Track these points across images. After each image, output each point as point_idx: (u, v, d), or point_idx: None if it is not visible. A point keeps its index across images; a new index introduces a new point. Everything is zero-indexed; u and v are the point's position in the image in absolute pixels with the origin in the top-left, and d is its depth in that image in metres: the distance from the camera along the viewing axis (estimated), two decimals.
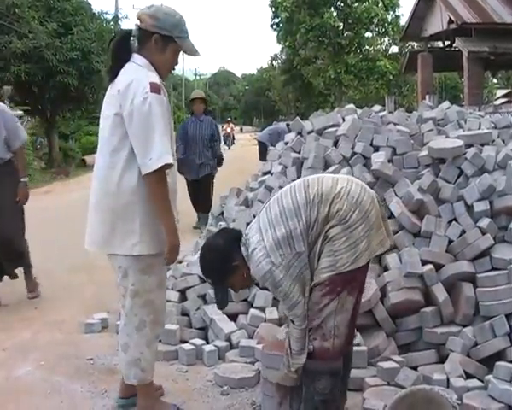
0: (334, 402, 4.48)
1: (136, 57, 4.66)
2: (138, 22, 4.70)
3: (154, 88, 4.48)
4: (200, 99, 13.84)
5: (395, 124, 7.51)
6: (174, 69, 4.96)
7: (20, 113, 34.78)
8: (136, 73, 4.55)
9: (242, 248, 4.47)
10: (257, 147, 18.01)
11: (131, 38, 4.73)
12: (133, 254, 4.62)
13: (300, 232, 4.24)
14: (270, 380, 4.70)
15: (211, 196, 13.51)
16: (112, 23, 34.38)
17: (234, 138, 55.51)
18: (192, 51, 4.78)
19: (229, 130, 52.78)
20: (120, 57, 4.70)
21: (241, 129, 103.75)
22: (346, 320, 4.36)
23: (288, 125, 16.85)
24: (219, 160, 13.95)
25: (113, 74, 4.70)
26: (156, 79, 4.56)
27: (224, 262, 4.50)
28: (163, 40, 4.65)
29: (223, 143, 43.78)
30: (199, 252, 4.88)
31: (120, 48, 4.73)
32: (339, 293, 4.30)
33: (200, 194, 13.46)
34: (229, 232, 4.85)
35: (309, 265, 4.30)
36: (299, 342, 4.32)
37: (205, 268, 4.66)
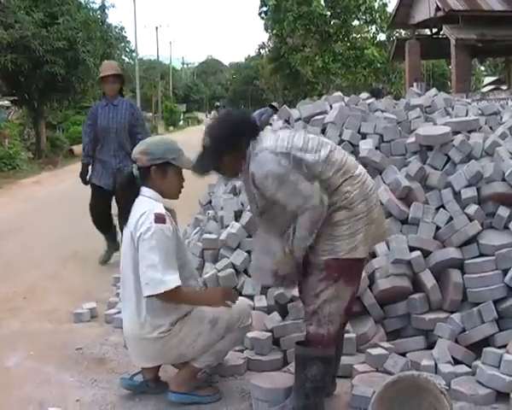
0: (325, 389, 4.54)
1: (144, 190, 4.94)
2: (136, 163, 4.96)
3: (159, 219, 4.72)
4: (113, 76, 9.60)
5: (382, 111, 7.51)
6: (183, 186, 5.12)
7: (7, 103, 34.65)
8: (144, 206, 4.81)
9: (251, 145, 4.44)
10: None
11: (135, 177, 4.96)
12: None
13: (311, 167, 4.26)
14: (265, 265, 4.63)
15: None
16: (98, 12, 34.28)
17: None
18: (190, 164, 4.87)
19: None
20: (130, 196, 4.97)
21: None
22: (341, 309, 4.41)
23: (270, 106, 16.58)
24: None
25: (126, 212, 4.97)
26: (161, 209, 4.82)
27: (232, 137, 4.47)
28: (161, 168, 4.92)
29: None
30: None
31: (127, 188, 5.01)
32: (336, 280, 4.34)
33: (112, 210, 9.27)
34: (252, 126, 4.64)
35: None
36: (306, 229, 4.25)
37: (213, 129, 4.61)
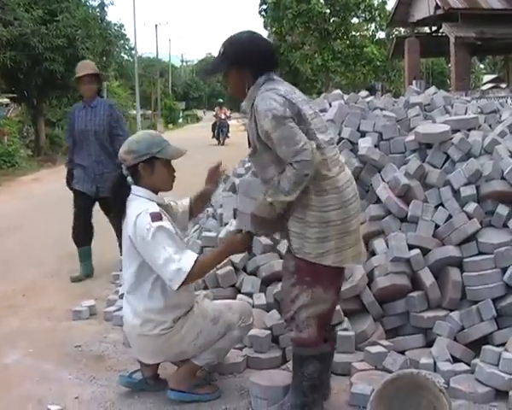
0: (322, 386, 4.55)
1: (135, 189, 4.94)
2: (124, 164, 4.96)
3: (155, 217, 4.71)
4: (89, 76, 8.92)
5: (382, 109, 7.51)
6: (174, 177, 5.10)
7: (7, 100, 34.64)
8: (138, 207, 4.81)
9: (264, 78, 4.38)
10: (244, 133, 17.59)
11: (126, 177, 4.99)
12: None
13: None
14: (245, 211, 4.63)
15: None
16: (98, 10, 34.25)
17: (229, 129, 39.32)
18: (177, 154, 4.98)
19: (223, 116, 39.16)
20: (122, 197, 4.96)
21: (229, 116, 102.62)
22: (321, 312, 4.42)
23: None
24: None
25: (119, 212, 4.98)
26: (155, 208, 4.80)
27: (247, 53, 4.38)
28: (148, 164, 4.90)
29: (215, 134, 37.85)
30: None
31: (118, 190, 5.00)
32: (309, 285, 4.34)
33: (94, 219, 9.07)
34: (270, 57, 4.54)
35: None
36: (289, 183, 4.15)
37: (234, 38, 4.51)
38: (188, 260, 4.60)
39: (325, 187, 4.24)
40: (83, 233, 8.85)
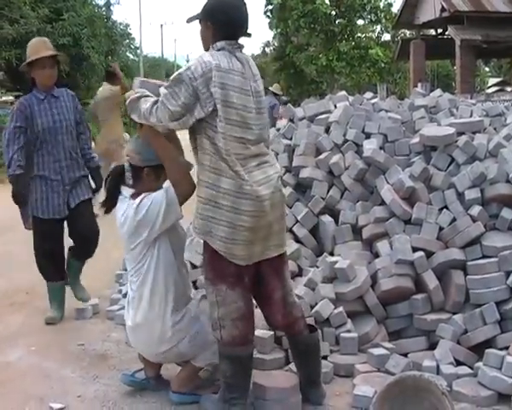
0: (239, 389, 4.56)
1: (125, 190, 4.98)
2: (129, 160, 4.96)
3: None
4: (49, 58, 6.90)
5: (387, 111, 7.50)
6: None
7: (12, 98, 34.63)
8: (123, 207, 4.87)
9: (221, 43, 4.44)
10: None
11: (126, 174, 4.96)
12: None
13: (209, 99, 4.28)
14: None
15: (97, 237, 7.24)
16: (103, 9, 34.28)
17: None
18: (189, 166, 4.92)
19: None
20: (116, 193, 4.99)
21: None
22: (233, 314, 4.44)
23: (274, 93, 16.47)
24: (95, 177, 7.28)
25: (110, 209, 5.05)
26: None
27: (214, 9, 4.50)
28: (155, 171, 4.87)
29: None
30: None
31: (116, 184, 5.02)
32: (213, 282, 4.45)
33: (82, 232, 7.05)
34: (236, 22, 4.60)
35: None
36: (145, 109, 4.45)
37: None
38: None
39: (222, 173, 4.31)
40: (52, 269, 7.07)
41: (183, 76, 4.28)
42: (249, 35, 4.70)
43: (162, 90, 4.39)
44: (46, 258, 6.99)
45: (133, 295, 4.92)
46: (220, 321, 4.46)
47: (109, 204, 5.02)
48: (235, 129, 4.30)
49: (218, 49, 4.42)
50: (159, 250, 4.78)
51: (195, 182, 4.53)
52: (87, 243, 7.14)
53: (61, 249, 7.12)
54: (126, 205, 4.81)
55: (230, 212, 4.28)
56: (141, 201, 4.71)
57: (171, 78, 4.37)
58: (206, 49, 4.54)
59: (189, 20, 4.77)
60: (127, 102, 4.65)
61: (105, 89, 13.12)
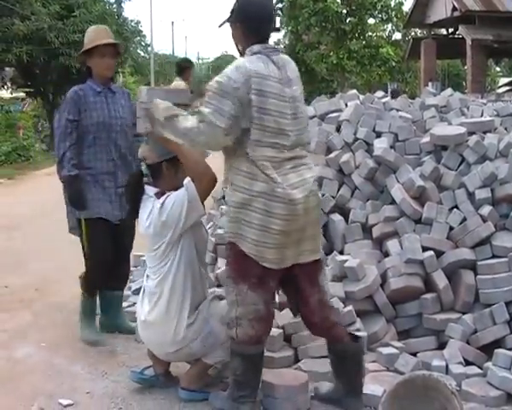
0: (249, 386, 4.55)
1: (148, 189, 5.00)
2: (144, 160, 5.02)
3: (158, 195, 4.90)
4: (109, 47, 6.42)
5: (398, 110, 7.49)
6: None
7: (22, 95, 34.77)
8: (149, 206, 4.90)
9: (255, 46, 4.44)
10: None
11: (143, 176, 5.05)
12: None
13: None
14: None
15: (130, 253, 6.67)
16: (114, 6, 34.32)
17: None
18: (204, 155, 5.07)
19: None
20: (137, 195, 5.03)
21: None
22: (251, 315, 4.40)
23: None
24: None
25: (133, 212, 5.10)
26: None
27: (244, 18, 4.51)
28: (172, 163, 4.90)
29: None
30: None
31: (137, 188, 5.05)
32: (235, 281, 4.41)
33: (121, 251, 6.35)
34: (265, 26, 4.63)
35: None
36: (185, 128, 4.36)
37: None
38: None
39: (255, 177, 4.30)
40: (100, 281, 6.39)
41: (225, 87, 4.23)
42: (278, 29, 4.74)
43: (204, 109, 4.27)
44: (102, 267, 6.24)
45: (152, 291, 4.94)
46: (237, 320, 4.43)
47: (133, 210, 5.05)
48: (269, 135, 4.28)
49: (254, 53, 4.41)
50: (182, 250, 4.81)
51: (228, 186, 4.55)
52: (125, 265, 6.63)
53: (114, 262, 6.27)
54: (152, 205, 4.84)
55: (263, 215, 4.26)
56: (164, 201, 4.75)
57: (210, 91, 4.29)
58: (240, 52, 4.57)
59: (221, 25, 4.78)
60: (152, 116, 4.55)
61: (180, 84, 12.71)
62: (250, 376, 4.54)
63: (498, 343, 5.29)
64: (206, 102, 4.30)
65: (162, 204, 4.73)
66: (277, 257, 4.34)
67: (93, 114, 6.12)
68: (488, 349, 5.25)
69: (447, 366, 5.12)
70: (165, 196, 4.76)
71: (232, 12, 4.57)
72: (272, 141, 4.28)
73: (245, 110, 4.23)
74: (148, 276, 5.03)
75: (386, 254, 6.00)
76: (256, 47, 4.41)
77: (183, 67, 12.89)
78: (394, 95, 11.92)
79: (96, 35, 6.41)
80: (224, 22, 4.70)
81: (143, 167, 4.98)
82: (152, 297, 4.92)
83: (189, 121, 4.33)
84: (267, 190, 4.24)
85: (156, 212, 4.75)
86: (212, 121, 4.21)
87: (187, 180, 4.72)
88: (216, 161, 5.29)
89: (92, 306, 6.36)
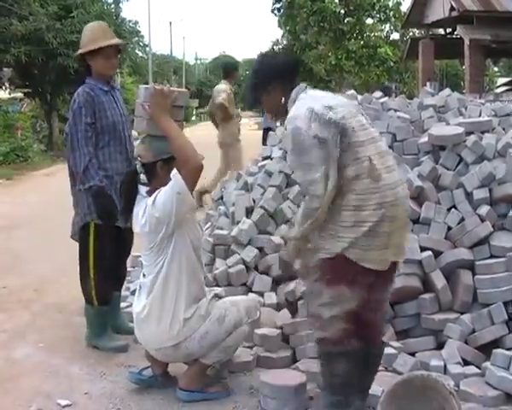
0: (352, 385, 4.34)
1: (142, 189, 5.02)
2: (139, 159, 5.03)
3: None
4: (114, 47, 6.23)
5: (396, 110, 7.50)
6: None
7: (20, 95, 34.73)
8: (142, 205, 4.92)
9: (294, 92, 4.42)
10: (257, 131, 17.06)
11: (138, 175, 5.04)
12: None
13: (345, 134, 4.16)
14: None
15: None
16: (112, 6, 34.29)
17: None
18: (200, 157, 4.92)
19: None
20: (132, 195, 5.05)
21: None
22: (347, 314, 4.23)
23: None
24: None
25: (128, 213, 5.13)
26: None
27: (275, 77, 4.48)
28: (167, 163, 4.92)
29: None
30: None
31: (130, 187, 5.07)
32: (331, 282, 4.22)
33: (124, 254, 6.43)
34: (291, 69, 4.64)
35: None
36: (302, 217, 4.27)
37: (258, 64, 4.68)
38: None
39: (368, 191, 4.16)
40: (110, 290, 6.31)
41: (325, 139, 4.11)
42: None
43: (303, 178, 4.20)
44: (110, 278, 6.16)
45: (147, 286, 4.96)
46: (332, 319, 4.24)
47: (127, 209, 5.05)
48: (369, 147, 4.24)
49: (295, 100, 4.39)
50: (175, 244, 4.83)
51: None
52: (123, 266, 6.57)
53: (118, 264, 6.34)
54: (145, 204, 4.85)
55: (373, 223, 4.14)
56: (155, 197, 4.77)
57: (304, 155, 4.15)
58: (281, 106, 4.51)
59: (252, 106, 4.81)
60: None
61: (227, 87, 12.70)
62: (356, 372, 4.32)
63: (497, 343, 5.29)
64: (295, 167, 4.36)
65: (154, 200, 4.75)
66: (381, 258, 4.24)
67: (107, 114, 5.99)
68: (486, 349, 5.24)
69: (445, 365, 5.12)
70: (155, 192, 4.77)
71: (258, 80, 4.58)
72: (375, 152, 4.26)
73: (335, 146, 4.14)
74: (144, 275, 5.04)
75: None
76: (302, 86, 4.47)
77: (229, 70, 13.10)
78: (386, 92, 11.86)
79: (98, 34, 6.15)
80: (254, 98, 4.73)
81: (138, 166, 4.98)
82: (147, 292, 4.94)
83: (300, 209, 4.40)
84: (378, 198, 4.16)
85: (149, 209, 4.76)
86: (314, 194, 4.13)
87: (174, 172, 4.73)
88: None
89: (106, 313, 6.19)
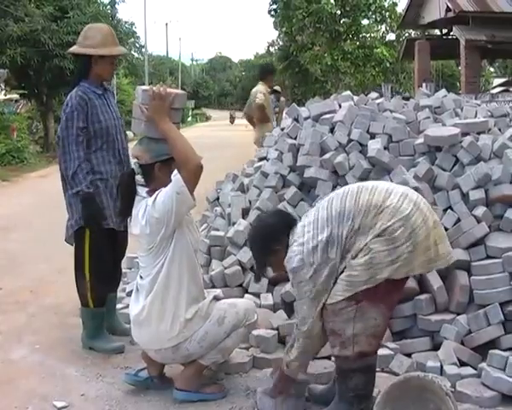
0: (368, 398, 4.39)
1: (141, 190, 5.02)
2: (136, 160, 5.03)
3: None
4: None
5: (392, 111, 7.49)
6: None
7: (16, 96, 34.71)
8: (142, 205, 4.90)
9: (290, 237, 4.50)
10: (251, 132, 17.00)
11: (135, 176, 5.05)
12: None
13: (338, 239, 4.21)
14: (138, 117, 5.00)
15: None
16: (108, 7, 34.28)
17: None
18: (198, 158, 4.94)
19: None
20: (130, 196, 5.02)
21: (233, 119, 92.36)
22: (368, 330, 4.25)
23: (273, 91, 15.89)
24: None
25: (126, 214, 5.12)
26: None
27: (268, 242, 4.62)
28: (165, 165, 4.91)
29: None
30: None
31: (127, 188, 5.06)
32: (355, 299, 4.21)
33: (118, 256, 6.43)
34: (284, 217, 4.87)
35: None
36: (296, 351, 4.50)
37: (250, 240, 4.94)
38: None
39: (381, 219, 4.19)
40: (107, 292, 6.28)
41: (298, 274, 4.34)
42: None
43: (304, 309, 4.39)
44: (106, 280, 6.14)
45: (146, 288, 4.94)
46: (355, 337, 4.23)
47: (126, 210, 5.05)
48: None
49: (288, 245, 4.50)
50: (175, 246, 4.83)
51: None
52: (118, 272, 6.56)
53: (115, 267, 6.37)
54: (145, 205, 4.84)
55: (407, 241, 4.14)
56: (155, 198, 4.76)
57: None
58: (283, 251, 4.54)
59: (263, 272, 5.11)
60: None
61: (263, 87, 12.72)
62: (371, 386, 4.43)
63: (493, 344, 5.30)
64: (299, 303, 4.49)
65: (154, 200, 4.74)
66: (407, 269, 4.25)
67: (100, 118, 5.95)
68: (483, 350, 5.25)
69: (442, 366, 5.13)
70: (156, 193, 4.77)
71: (259, 246, 4.73)
72: None
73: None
74: (141, 277, 5.03)
75: None
76: (289, 237, 4.56)
77: (266, 72, 13.16)
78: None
79: (108, 39, 6.07)
80: (266, 264, 4.87)
81: (135, 167, 4.98)
82: (145, 294, 4.93)
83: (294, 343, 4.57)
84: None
85: (150, 209, 4.75)
86: (303, 324, 4.44)
87: (174, 173, 4.73)
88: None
89: (102, 315, 6.17)
